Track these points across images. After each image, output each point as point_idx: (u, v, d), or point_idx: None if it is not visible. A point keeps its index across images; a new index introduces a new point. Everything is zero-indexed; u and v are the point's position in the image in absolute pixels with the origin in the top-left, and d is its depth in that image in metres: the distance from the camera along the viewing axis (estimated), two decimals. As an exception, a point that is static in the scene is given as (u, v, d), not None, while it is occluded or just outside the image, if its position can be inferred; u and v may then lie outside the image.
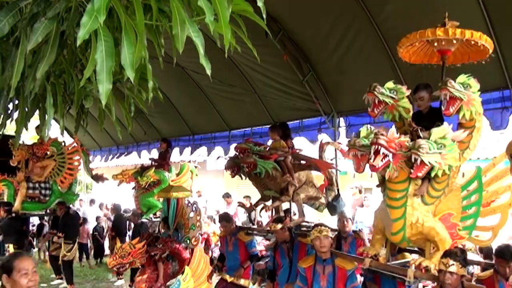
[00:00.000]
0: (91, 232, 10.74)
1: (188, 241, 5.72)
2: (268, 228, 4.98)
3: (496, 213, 3.46)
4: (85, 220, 10.62)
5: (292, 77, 6.69)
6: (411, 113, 3.52)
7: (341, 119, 6.73)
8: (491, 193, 3.43)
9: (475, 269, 5.01)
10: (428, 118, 3.46)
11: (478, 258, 5.37)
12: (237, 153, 5.12)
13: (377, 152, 3.01)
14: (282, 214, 5.39)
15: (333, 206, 5.34)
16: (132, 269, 6.50)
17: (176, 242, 5.61)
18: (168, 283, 5.49)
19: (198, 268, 5.58)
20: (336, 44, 5.89)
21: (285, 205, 5.47)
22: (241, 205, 6.11)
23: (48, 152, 7.61)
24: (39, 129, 6.78)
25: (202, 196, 12.22)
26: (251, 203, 7.06)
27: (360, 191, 8.71)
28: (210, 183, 13.73)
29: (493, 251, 3.88)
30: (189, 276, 5.47)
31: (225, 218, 5.59)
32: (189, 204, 5.99)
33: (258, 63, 6.68)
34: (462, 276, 3.02)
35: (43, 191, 7.61)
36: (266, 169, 4.80)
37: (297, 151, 5.38)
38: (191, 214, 5.85)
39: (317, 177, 5.61)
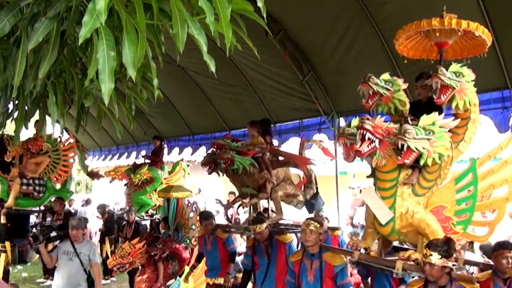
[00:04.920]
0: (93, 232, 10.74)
1: (188, 241, 5.72)
2: (247, 226, 4.89)
3: (493, 207, 3.36)
4: (86, 220, 10.61)
5: (292, 77, 6.70)
6: (407, 106, 3.44)
7: (341, 119, 6.73)
8: (487, 186, 3.32)
9: (475, 270, 4.98)
10: (426, 108, 3.36)
11: (480, 257, 5.34)
12: (214, 150, 5.07)
13: (363, 138, 2.94)
14: (260, 210, 5.33)
15: (311, 204, 5.29)
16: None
17: (176, 242, 5.61)
18: (168, 283, 5.49)
19: (198, 268, 5.57)
20: (336, 44, 5.90)
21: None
22: (219, 202, 6.05)
23: (43, 148, 7.55)
24: (38, 124, 6.76)
25: (200, 195, 12.20)
26: (228, 200, 7.04)
27: (360, 191, 8.70)
28: (210, 183, 13.71)
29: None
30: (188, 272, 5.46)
31: (206, 216, 5.50)
32: (189, 204, 5.99)
33: (258, 63, 6.70)
34: (445, 268, 2.92)
35: (37, 188, 7.54)
36: (243, 165, 4.74)
37: (276, 147, 5.35)
38: (191, 214, 5.85)
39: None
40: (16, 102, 2.53)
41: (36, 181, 7.53)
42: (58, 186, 7.89)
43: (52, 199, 7.82)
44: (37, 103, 2.57)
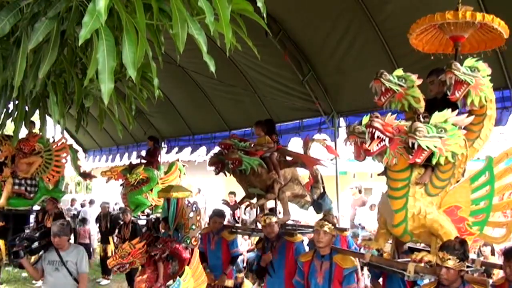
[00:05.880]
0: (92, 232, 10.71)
1: (188, 241, 5.71)
2: (259, 221, 4.81)
3: (510, 207, 3.25)
4: (84, 220, 10.60)
5: (292, 77, 6.70)
6: (422, 103, 3.33)
7: (341, 119, 6.73)
8: (504, 186, 3.21)
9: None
10: (442, 104, 3.21)
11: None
12: (221, 150, 5.00)
13: (373, 137, 2.85)
14: (272, 207, 5.28)
15: (318, 204, 5.21)
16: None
17: (176, 242, 5.60)
18: (168, 283, 5.48)
19: (198, 268, 5.57)
20: (336, 44, 5.90)
21: (270, 204, 5.38)
22: (225, 203, 6.01)
23: (35, 149, 7.53)
24: (31, 125, 6.70)
25: (200, 195, 12.20)
26: (235, 201, 6.97)
27: (360, 191, 8.70)
28: (210, 183, 13.72)
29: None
30: (189, 276, 5.46)
31: (218, 214, 5.43)
32: (189, 204, 5.98)
33: (258, 63, 6.70)
34: (461, 271, 2.85)
35: (28, 188, 7.52)
36: (251, 165, 4.66)
37: (283, 146, 5.28)
38: (191, 214, 5.84)
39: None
40: (16, 102, 2.53)
41: (28, 181, 7.52)
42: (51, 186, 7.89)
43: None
44: (37, 103, 2.58)
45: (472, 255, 5.45)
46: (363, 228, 7.74)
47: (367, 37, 5.54)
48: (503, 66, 4.76)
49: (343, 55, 5.97)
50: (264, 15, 1.93)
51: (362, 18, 5.36)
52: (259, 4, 1.85)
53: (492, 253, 5.88)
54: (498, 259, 5.54)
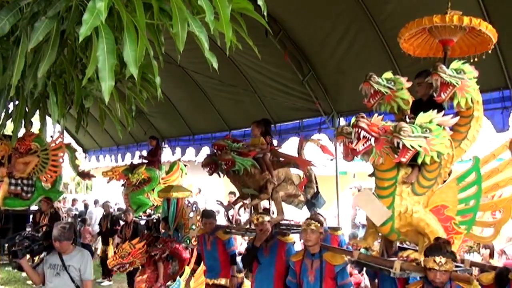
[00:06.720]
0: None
1: (188, 241, 5.71)
2: (252, 220, 4.82)
3: (498, 208, 3.29)
4: (84, 220, 10.58)
5: (292, 77, 6.70)
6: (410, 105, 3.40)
7: (341, 119, 6.73)
8: (491, 186, 3.26)
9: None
10: (427, 106, 3.28)
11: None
12: (214, 150, 5.02)
13: (359, 136, 2.91)
14: (266, 207, 5.29)
15: (312, 204, 5.24)
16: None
17: (176, 242, 5.60)
18: (168, 283, 5.48)
19: (198, 268, 5.57)
20: (336, 44, 5.91)
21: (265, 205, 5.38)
22: (220, 203, 6.00)
23: (32, 148, 7.47)
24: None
25: (200, 195, 12.19)
26: (229, 201, 6.98)
27: (359, 191, 8.68)
28: (210, 183, 13.71)
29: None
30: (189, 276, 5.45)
31: (207, 215, 5.44)
32: (189, 204, 5.98)
33: (258, 63, 6.70)
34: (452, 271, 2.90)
35: (25, 188, 7.47)
36: (244, 166, 4.70)
37: (276, 147, 5.31)
38: (191, 214, 5.84)
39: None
40: (16, 102, 2.53)
41: (25, 181, 7.47)
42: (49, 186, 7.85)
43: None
44: (37, 103, 2.57)
45: (477, 256, 5.49)
46: (364, 225, 7.72)
47: (367, 37, 5.54)
48: (503, 66, 4.76)
49: (343, 55, 5.97)
50: (265, 14, 1.93)
51: (362, 18, 5.36)
52: (260, 2, 1.85)
53: (491, 255, 5.88)
54: (498, 261, 5.54)
